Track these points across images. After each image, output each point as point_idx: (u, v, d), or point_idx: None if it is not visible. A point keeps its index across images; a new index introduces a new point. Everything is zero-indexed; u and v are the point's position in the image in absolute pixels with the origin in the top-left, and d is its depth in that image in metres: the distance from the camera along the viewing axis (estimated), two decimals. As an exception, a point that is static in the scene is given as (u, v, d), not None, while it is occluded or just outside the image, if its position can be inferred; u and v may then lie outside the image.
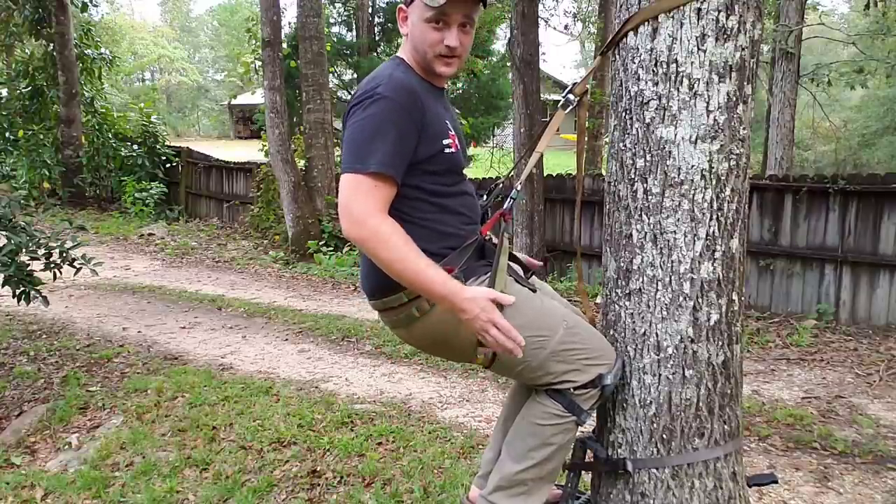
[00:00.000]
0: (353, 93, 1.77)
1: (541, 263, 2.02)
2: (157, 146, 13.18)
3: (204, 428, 3.48)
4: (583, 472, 1.99)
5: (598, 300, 2.43)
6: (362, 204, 1.59)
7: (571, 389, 1.74)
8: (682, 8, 1.66)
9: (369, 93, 1.66)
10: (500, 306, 1.65)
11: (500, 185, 2.01)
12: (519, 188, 1.89)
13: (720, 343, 1.76)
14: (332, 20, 17.37)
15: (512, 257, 1.97)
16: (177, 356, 4.83)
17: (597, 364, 1.76)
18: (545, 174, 7.76)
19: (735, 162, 1.71)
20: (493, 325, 1.61)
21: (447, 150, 1.75)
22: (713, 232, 1.72)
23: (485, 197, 1.98)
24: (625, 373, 1.82)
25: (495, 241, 1.87)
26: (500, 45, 18.06)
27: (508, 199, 1.91)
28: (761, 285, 6.31)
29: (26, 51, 14.07)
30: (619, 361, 1.80)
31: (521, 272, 1.94)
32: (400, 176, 1.65)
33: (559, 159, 15.12)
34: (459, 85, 16.74)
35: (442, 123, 1.76)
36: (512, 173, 2.18)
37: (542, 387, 1.79)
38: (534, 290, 1.84)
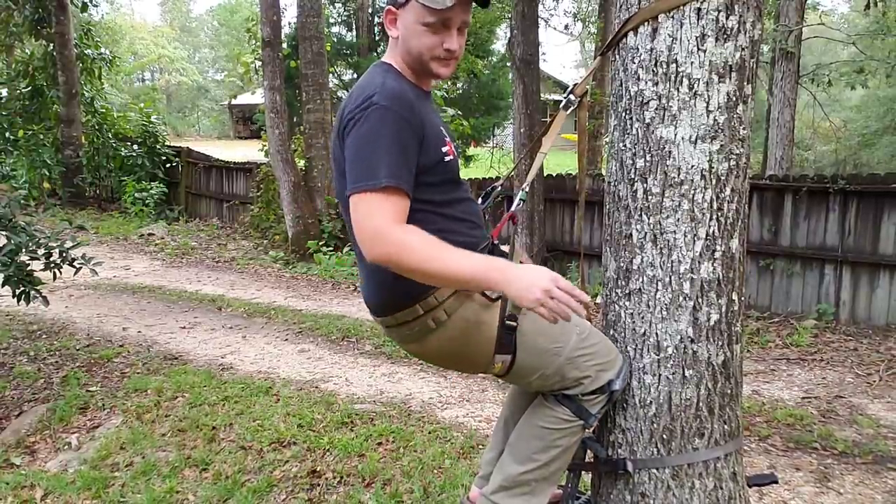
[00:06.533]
0: (344, 104, 1.67)
1: None
2: (157, 146, 13.18)
3: (204, 428, 3.48)
4: (583, 472, 1.99)
5: (598, 300, 2.43)
6: (377, 220, 1.49)
7: (580, 395, 1.74)
8: (682, 8, 1.66)
9: (364, 104, 1.56)
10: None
11: (499, 187, 1.99)
12: (527, 189, 1.91)
13: (720, 343, 1.76)
14: (332, 20, 17.41)
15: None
16: (177, 356, 4.83)
17: (607, 370, 1.76)
18: (545, 174, 7.77)
19: (735, 162, 1.71)
20: (555, 287, 1.46)
21: (447, 158, 1.68)
22: (713, 232, 1.72)
23: (480, 200, 1.94)
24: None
25: (503, 247, 1.88)
26: (500, 45, 18.12)
27: (517, 201, 1.91)
28: (761, 285, 6.31)
29: (26, 51, 14.07)
30: (626, 366, 1.80)
31: None
32: (410, 188, 1.54)
33: (559, 159, 15.10)
34: (459, 85, 16.74)
35: (437, 129, 1.68)
36: (511, 174, 2.17)
37: (553, 392, 1.79)
38: None
